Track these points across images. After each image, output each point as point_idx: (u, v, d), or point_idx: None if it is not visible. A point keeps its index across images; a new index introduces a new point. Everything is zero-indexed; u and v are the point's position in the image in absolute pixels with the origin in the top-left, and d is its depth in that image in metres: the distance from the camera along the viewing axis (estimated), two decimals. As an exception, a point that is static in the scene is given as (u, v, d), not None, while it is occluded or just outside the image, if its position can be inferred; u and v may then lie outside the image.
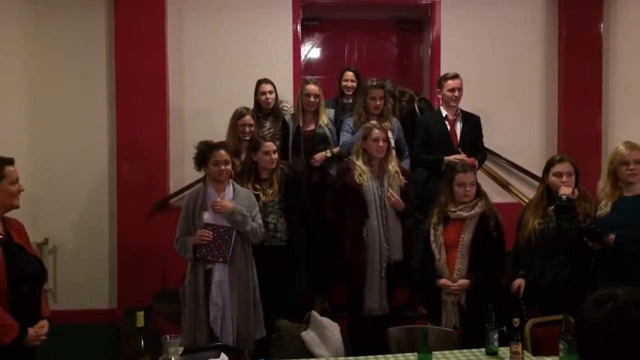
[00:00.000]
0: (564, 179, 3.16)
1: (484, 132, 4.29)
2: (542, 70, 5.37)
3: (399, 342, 2.78)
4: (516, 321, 2.42)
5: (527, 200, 4.04)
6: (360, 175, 3.58)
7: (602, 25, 5.25)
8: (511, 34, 5.33)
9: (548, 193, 3.25)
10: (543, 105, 5.37)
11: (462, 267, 3.23)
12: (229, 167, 3.32)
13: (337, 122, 4.34)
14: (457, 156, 3.93)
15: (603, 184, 3.19)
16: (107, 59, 4.91)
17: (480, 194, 3.35)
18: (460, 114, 4.16)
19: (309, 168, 4.14)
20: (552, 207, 3.20)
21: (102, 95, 4.91)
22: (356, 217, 3.58)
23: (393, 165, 3.64)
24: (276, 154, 3.63)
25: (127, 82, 4.77)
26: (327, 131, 4.27)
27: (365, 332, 3.55)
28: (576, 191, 3.16)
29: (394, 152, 3.75)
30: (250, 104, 4.35)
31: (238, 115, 4.10)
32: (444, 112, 4.14)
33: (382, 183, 3.61)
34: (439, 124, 4.12)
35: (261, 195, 3.57)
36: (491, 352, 2.54)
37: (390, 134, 3.90)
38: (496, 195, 4.93)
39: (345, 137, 4.11)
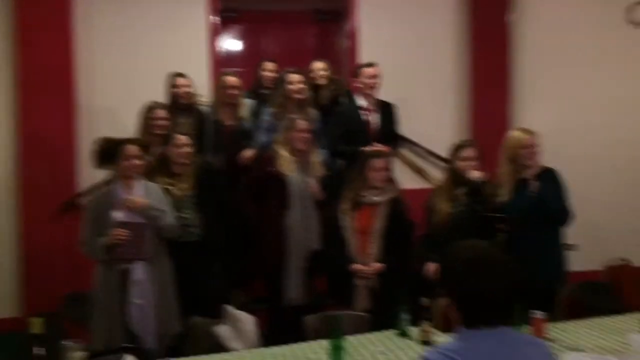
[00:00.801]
0: (470, 163, 3.27)
1: (403, 120, 4.37)
2: (454, 60, 5.54)
3: (316, 330, 2.79)
4: (425, 301, 2.49)
5: (441, 186, 4.16)
6: (285, 165, 3.57)
7: (510, 17, 5.47)
8: (426, 25, 5.46)
9: (455, 177, 3.35)
10: (455, 94, 5.55)
11: (375, 252, 3.29)
12: (140, 162, 3.23)
13: (257, 114, 4.30)
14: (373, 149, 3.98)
15: (503, 170, 3.35)
16: (7, 51, 4.62)
17: (390, 179, 3.41)
18: (377, 104, 4.21)
19: (240, 165, 4.06)
20: (462, 191, 3.31)
21: (3, 90, 4.62)
22: (278, 207, 3.57)
23: (315, 156, 3.66)
24: (189, 147, 3.54)
25: (30, 76, 4.49)
26: (247, 126, 4.21)
27: (285, 323, 3.55)
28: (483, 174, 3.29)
29: (316, 143, 3.77)
30: (165, 99, 4.23)
31: (149, 108, 3.97)
32: (360, 102, 4.17)
33: (304, 173, 3.62)
34: (355, 115, 4.15)
35: (174, 189, 3.47)
36: (402, 333, 2.59)
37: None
38: (411, 182, 5.08)
39: (262, 135, 4.06)
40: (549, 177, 3.31)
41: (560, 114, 5.68)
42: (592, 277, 4.14)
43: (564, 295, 3.13)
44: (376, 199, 3.34)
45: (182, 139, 3.53)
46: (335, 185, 3.91)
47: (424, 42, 5.45)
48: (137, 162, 3.20)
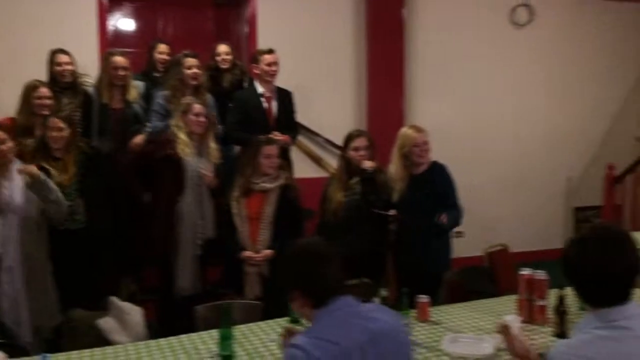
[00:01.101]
0: (362, 152, 3.34)
1: (302, 109, 4.39)
2: (352, 50, 5.64)
3: (206, 320, 2.73)
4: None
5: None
6: (183, 148, 3.45)
7: (404, 11, 5.64)
8: (324, 14, 5.51)
9: (348, 167, 3.41)
10: (354, 85, 5.66)
11: (265, 239, 3.28)
12: (6, 146, 3.03)
13: (148, 97, 4.12)
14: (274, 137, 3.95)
15: (395, 167, 3.43)
16: None
17: (282, 166, 3.41)
18: (276, 91, 4.18)
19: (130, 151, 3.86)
20: (356, 180, 3.37)
21: None
22: (172, 192, 3.45)
23: (212, 141, 3.58)
24: (65, 131, 3.32)
25: None
26: (138, 109, 4.03)
27: (176, 314, 3.44)
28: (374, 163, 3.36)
29: (212, 128, 3.68)
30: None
31: (31, 88, 3.66)
32: (260, 89, 4.12)
33: (200, 159, 3.52)
34: (254, 101, 4.10)
35: (55, 174, 3.24)
36: (294, 320, 2.60)
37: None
38: (310, 170, 5.14)
39: (155, 120, 3.90)
40: (438, 172, 3.44)
41: (450, 108, 5.97)
42: (475, 262, 4.39)
43: (448, 279, 3.29)
44: (267, 185, 3.33)
45: (57, 122, 3.31)
46: (232, 173, 3.87)
47: (323, 31, 5.50)
48: (3, 147, 3.01)
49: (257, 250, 3.27)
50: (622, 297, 1.54)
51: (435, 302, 2.90)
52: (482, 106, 6.16)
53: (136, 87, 4.07)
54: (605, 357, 1.46)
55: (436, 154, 3.64)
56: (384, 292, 2.46)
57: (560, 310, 2.41)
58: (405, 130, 3.48)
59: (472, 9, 6.01)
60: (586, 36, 6.49)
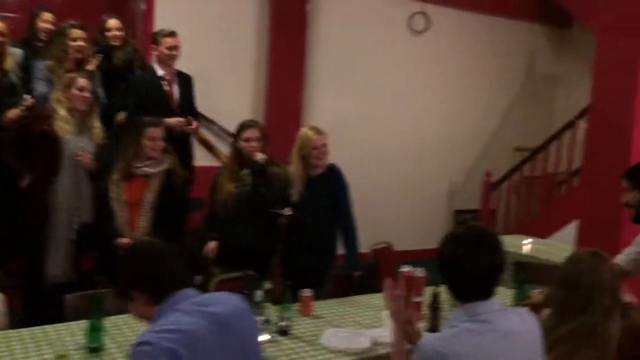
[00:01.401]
0: (253, 144, 3.29)
1: (198, 95, 4.24)
2: (254, 39, 5.56)
3: (77, 310, 2.55)
4: (199, 279, 2.43)
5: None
6: (62, 125, 3.22)
7: (308, 5, 5.65)
8: (226, 6, 5.38)
9: (239, 157, 3.34)
10: (253, 74, 5.59)
11: (145, 226, 3.14)
12: None
13: (27, 67, 3.78)
14: (178, 119, 3.79)
15: (294, 167, 3.42)
16: None
17: (166, 150, 3.28)
18: (176, 74, 4.02)
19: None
20: (246, 171, 3.31)
21: None
22: (46, 171, 3.21)
23: (95, 120, 3.37)
24: None
25: None
26: (14, 79, 3.67)
27: (45, 302, 3.20)
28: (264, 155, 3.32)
29: (97, 106, 3.47)
30: None
31: None
32: (160, 72, 3.94)
33: (81, 138, 3.31)
34: (155, 84, 3.90)
35: None
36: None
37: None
38: (203, 159, 4.99)
39: (39, 86, 3.61)
40: (334, 176, 3.46)
41: (348, 106, 6.08)
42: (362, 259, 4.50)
43: (333, 275, 3.33)
44: (149, 170, 3.18)
45: None
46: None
47: (224, 16, 5.36)
48: None
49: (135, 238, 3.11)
50: (487, 293, 1.65)
51: (320, 296, 2.93)
52: (378, 107, 6.34)
53: (13, 55, 3.72)
54: (469, 349, 1.57)
55: (331, 151, 3.68)
56: (267, 285, 2.43)
57: (434, 306, 2.52)
58: (305, 132, 3.46)
59: (373, 15, 6.15)
60: (477, 49, 6.88)
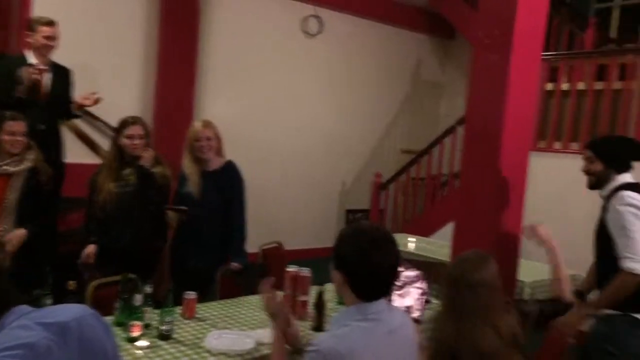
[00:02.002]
0: (136, 142, 3.16)
1: (80, 89, 4.00)
2: (143, 34, 5.36)
3: None
4: (71, 284, 2.30)
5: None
6: None
7: (200, 1, 5.53)
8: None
9: (120, 155, 3.20)
10: (142, 71, 5.38)
11: (9, 228, 2.93)
12: None
13: None
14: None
15: (185, 160, 3.34)
16: None
17: (30, 146, 3.07)
18: (51, 65, 3.77)
19: None
20: (128, 171, 3.17)
21: None
22: None
23: None
24: None
25: None
26: None
27: None
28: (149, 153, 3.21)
29: None
30: None
31: None
32: (32, 60, 3.68)
33: None
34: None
35: None
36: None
37: None
38: (84, 156, 4.74)
39: None
40: (230, 172, 3.40)
41: (241, 106, 6.04)
42: (250, 259, 4.48)
43: (220, 276, 3.28)
44: (10, 169, 2.98)
45: None
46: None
47: (110, 9, 5.12)
48: None
49: None
50: (383, 293, 1.72)
51: (209, 298, 2.89)
52: (272, 108, 6.35)
53: None
54: (362, 347, 1.62)
55: (224, 149, 3.63)
56: (148, 289, 2.35)
57: (319, 305, 2.56)
58: (192, 123, 3.39)
59: (267, 14, 6.16)
60: (368, 54, 7.11)
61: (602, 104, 4.80)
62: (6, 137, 2.95)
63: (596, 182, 2.69)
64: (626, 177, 2.62)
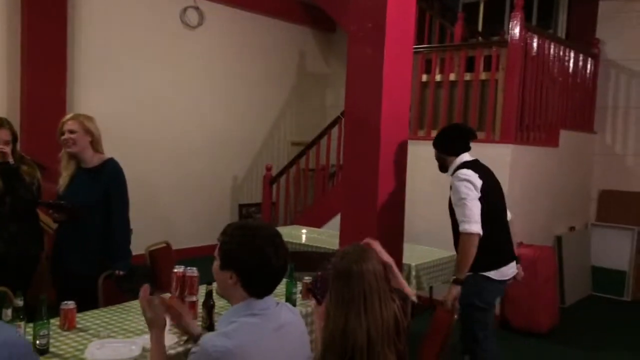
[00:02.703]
0: (1, 146, 2.95)
1: None
2: (3, 25, 4.95)
3: None
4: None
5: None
6: None
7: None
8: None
9: None
10: (5, 65, 4.98)
11: None
12: None
13: None
14: None
15: (62, 157, 3.16)
16: None
17: None
18: None
19: None
20: None
21: None
22: None
23: None
24: None
25: None
26: None
27: None
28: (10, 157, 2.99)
29: None
30: None
31: None
32: None
33: None
34: None
35: None
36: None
37: None
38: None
39: None
40: (109, 170, 3.20)
41: (118, 101, 5.79)
42: (138, 261, 4.33)
43: (104, 282, 3.13)
44: None
45: None
46: None
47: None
48: None
49: None
50: (270, 290, 1.76)
51: (92, 306, 2.75)
52: (152, 102, 6.14)
53: None
54: (251, 342, 1.64)
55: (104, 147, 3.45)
56: (19, 302, 2.18)
57: (209, 304, 2.52)
58: (64, 118, 3.20)
59: (142, 4, 5.93)
60: (251, 47, 7.09)
61: (472, 93, 5.14)
62: None
63: (440, 166, 3.24)
64: (464, 157, 3.11)
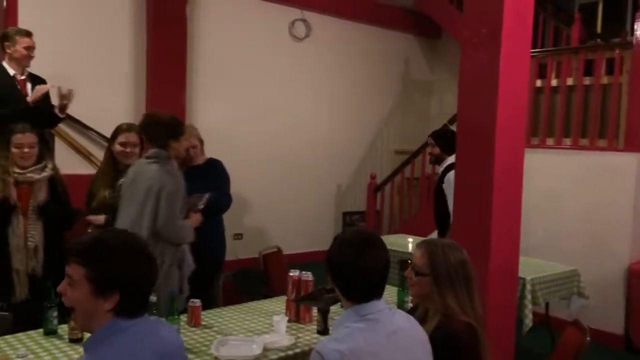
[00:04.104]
0: (129, 149, 3.19)
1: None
2: (130, 43, 5.38)
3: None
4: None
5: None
6: None
7: (187, 7, 5.56)
8: (99, 2, 5.16)
9: (114, 162, 3.21)
10: (132, 79, 5.39)
11: (37, 233, 2.99)
12: None
13: None
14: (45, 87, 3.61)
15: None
16: None
17: (44, 156, 3.11)
18: (28, 75, 3.80)
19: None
20: (122, 180, 3.19)
21: None
22: None
23: None
24: None
25: None
26: None
27: None
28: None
29: None
30: None
31: None
32: (10, 71, 3.71)
33: None
34: (6, 84, 3.67)
35: None
36: (50, 332, 2.35)
37: None
38: (79, 166, 4.74)
39: None
40: (213, 166, 3.58)
41: (231, 111, 6.07)
42: (250, 264, 4.51)
43: (222, 282, 3.30)
44: (35, 176, 3.02)
45: None
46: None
47: (97, 17, 5.15)
48: None
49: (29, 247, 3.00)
50: (375, 294, 1.75)
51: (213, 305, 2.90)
52: (262, 112, 6.37)
53: None
54: (364, 345, 1.65)
55: (216, 155, 3.69)
56: (152, 298, 2.36)
57: (324, 309, 2.58)
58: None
59: (255, 19, 6.18)
60: (356, 56, 7.15)
61: (592, 98, 4.86)
62: (15, 150, 2.99)
63: (435, 160, 4.01)
64: (453, 158, 3.64)
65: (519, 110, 3.23)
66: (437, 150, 3.96)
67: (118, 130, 3.22)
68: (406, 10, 7.35)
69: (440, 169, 3.92)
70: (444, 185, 3.78)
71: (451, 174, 3.58)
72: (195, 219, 3.05)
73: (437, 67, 8.01)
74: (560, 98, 5.04)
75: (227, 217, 3.72)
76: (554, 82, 5.16)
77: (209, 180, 3.50)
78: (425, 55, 7.98)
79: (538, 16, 5.91)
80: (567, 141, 4.96)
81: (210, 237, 3.36)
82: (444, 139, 3.93)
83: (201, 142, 3.62)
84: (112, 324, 1.43)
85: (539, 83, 5.24)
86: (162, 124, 2.89)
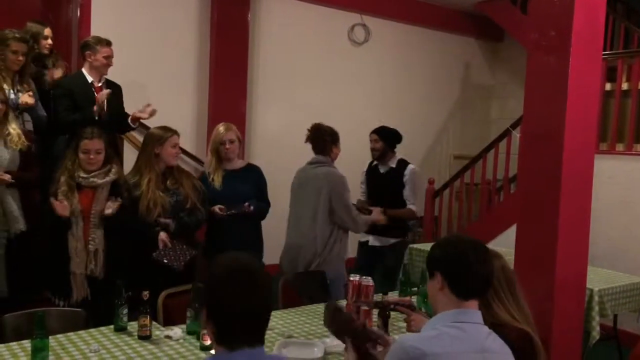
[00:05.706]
0: (176, 150, 3.45)
1: (135, 104, 4.17)
2: (195, 50, 5.53)
3: (17, 329, 2.45)
4: (145, 294, 2.39)
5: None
6: None
7: (249, 13, 5.67)
8: (168, 9, 5.34)
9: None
10: (195, 85, 5.55)
11: (97, 237, 3.09)
12: None
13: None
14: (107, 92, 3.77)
15: (208, 159, 3.69)
16: None
17: (110, 160, 3.23)
18: (105, 82, 3.95)
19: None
20: (169, 181, 3.43)
21: None
22: None
23: (14, 128, 3.25)
24: None
25: None
26: None
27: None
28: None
29: (12, 113, 3.35)
30: None
31: None
32: (89, 78, 3.88)
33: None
34: (85, 90, 3.83)
35: None
36: (120, 328, 2.45)
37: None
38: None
39: None
40: (252, 171, 3.74)
41: (290, 117, 6.12)
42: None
43: (281, 284, 3.33)
44: (98, 181, 3.13)
45: None
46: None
47: (164, 26, 5.33)
48: None
49: (88, 251, 3.10)
50: (479, 292, 1.75)
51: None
52: (321, 117, 6.34)
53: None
54: (448, 352, 1.62)
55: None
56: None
57: (384, 315, 2.56)
58: (217, 127, 3.70)
59: (314, 24, 6.23)
60: (415, 60, 7.09)
61: (666, 102, 4.64)
62: (82, 155, 3.11)
63: (379, 156, 4.44)
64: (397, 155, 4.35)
65: (589, 114, 3.11)
66: (380, 145, 4.36)
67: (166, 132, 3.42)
68: (466, 13, 7.23)
69: (390, 164, 4.40)
70: (406, 179, 4.26)
71: (411, 168, 4.29)
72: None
73: (499, 71, 7.84)
74: (632, 102, 4.83)
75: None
76: (624, 86, 4.95)
77: (249, 184, 3.65)
78: (486, 59, 7.81)
79: (607, 17, 5.67)
80: (639, 147, 4.75)
81: (254, 241, 3.64)
82: (389, 136, 4.37)
83: (239, 140, 3.73)
84: (217, 355, 1.41)
85: (608, 86, 5.04)
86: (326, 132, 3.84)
